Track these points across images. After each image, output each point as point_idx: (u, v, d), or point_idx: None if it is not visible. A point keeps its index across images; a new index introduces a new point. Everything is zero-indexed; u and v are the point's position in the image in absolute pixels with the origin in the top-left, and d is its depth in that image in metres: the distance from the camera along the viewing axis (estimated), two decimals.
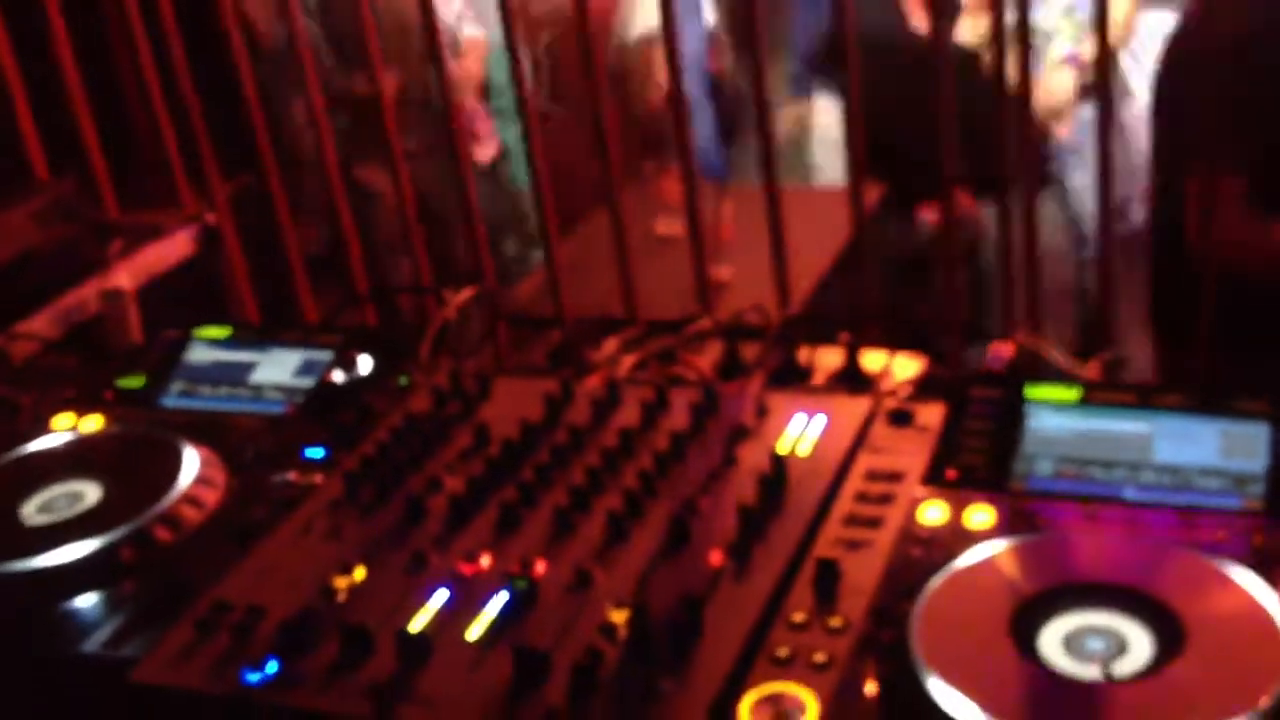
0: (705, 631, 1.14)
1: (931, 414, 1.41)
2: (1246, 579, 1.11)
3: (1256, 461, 1.25)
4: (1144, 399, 1.33)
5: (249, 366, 1.67)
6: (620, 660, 1.12)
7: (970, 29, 3.58)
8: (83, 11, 2.52)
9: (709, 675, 1.10)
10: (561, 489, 1.34)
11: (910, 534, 1.23)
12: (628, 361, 1.69)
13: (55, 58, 2.41)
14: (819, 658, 1.09)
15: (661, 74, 4.23)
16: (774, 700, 1.06)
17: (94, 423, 1.60)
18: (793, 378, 1.62)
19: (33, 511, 1.42)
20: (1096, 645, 1.07)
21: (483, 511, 1.34)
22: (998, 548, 1.18)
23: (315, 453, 1.48)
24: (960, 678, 1.03)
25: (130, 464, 1.48)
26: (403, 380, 1.60)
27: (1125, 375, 1.86)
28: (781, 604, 1.17)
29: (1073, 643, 1.08)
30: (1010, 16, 1.91)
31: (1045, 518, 1.24)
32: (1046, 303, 2.01)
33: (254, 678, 1.15)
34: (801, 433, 1.40)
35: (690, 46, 4.28)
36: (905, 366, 1.62)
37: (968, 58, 3.31)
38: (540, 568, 1.24)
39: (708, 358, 1.71)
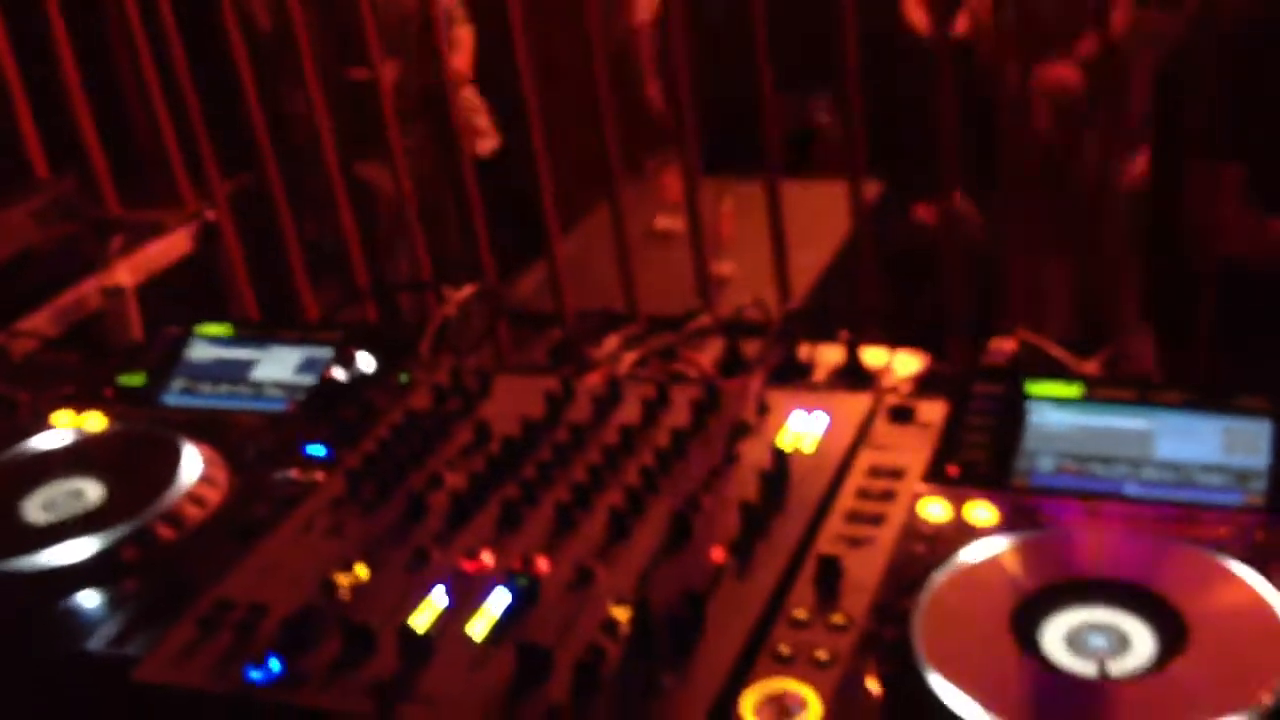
0: (707, 628, 1.14)
1: (933, 410, 1.41)
2: (1248, 575, 1.11)
3: (1258, 458, 1.25)
4: (1145, 395, 1.33)
5: (250, 364, 1.67)
6: (622, 657, 1.12)
7: (965, 19, 3.58)
8: (83, 10, 2.52)
9: (711, 672, 1.10)
10: (563, 486, 1.34)
11: (912, 531, 1.23)
12: (629, 358, 1.69)
13: (55, 56, 2.41)
14: (821, 655, 1.09)
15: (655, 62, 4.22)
16: (776, 697, 1.06)
17: (94, 420, 1.60)
18: (794, 374, 1.62)
19: (34, 510, 1.42)
20: (1098, 642, 1.07)
21: (484, 509, 1.34)
22: (1000, 545, 1.18)
23: (316, 450, 1.48)
24: (962, 675, 1.03)
25: (132, 462, 1.48)
26: (403, 377, 1.60)
27: (1125, 368, 1.86)
28: (783, 601, 1.17)
29: (1075, 639, 1.08)
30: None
31: (1047, 514, 1.24)
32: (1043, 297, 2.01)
33: (256, 676, 1.15)
34: (803, 429, 1.40)
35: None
36: (906, 363, 1.62)
37: (963, 51, 3.31)
38: (542, 565, 1.24)
39: (709, 354, 1.71)
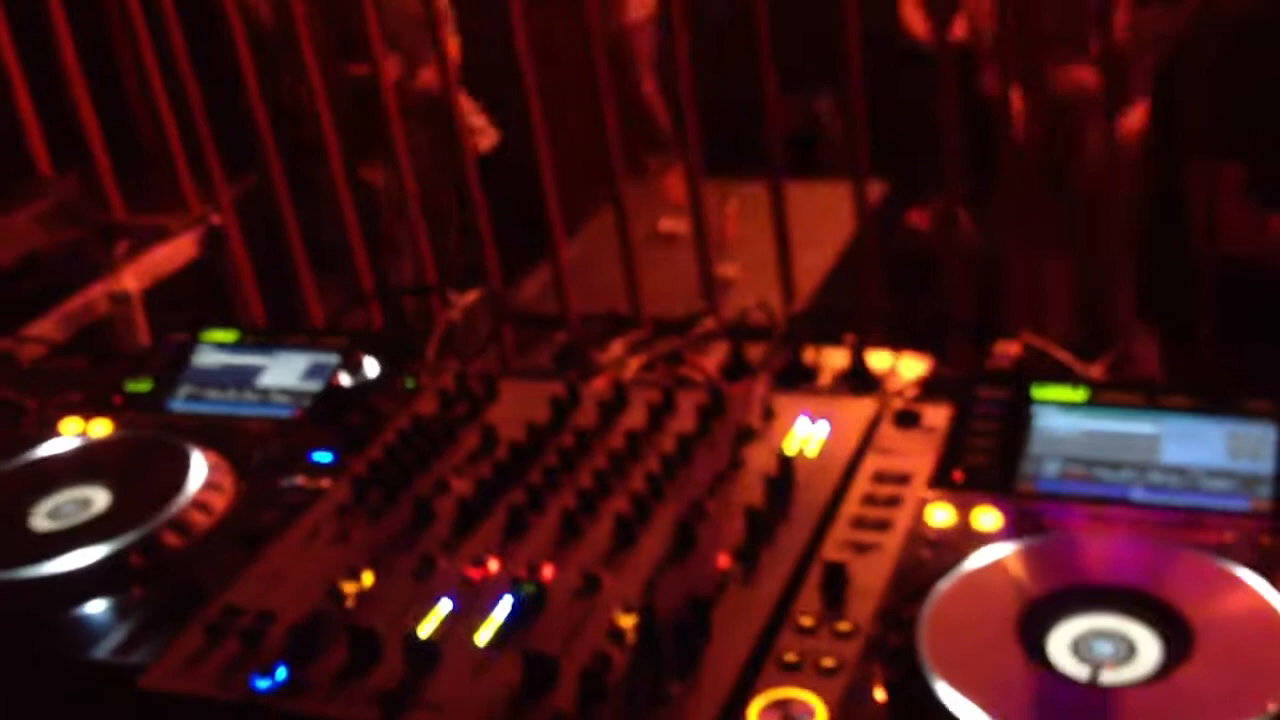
0: (713, 635, 1.14)
1: (938, 415, 1.41)
2: (1254, 581, 1.11)
3: (1264, 463, 1.25)
4: (1151, 400, 1.33)
5: (256, 370, 1.67)
6: (628, 665, 1.12)
7: (963, 25, 3.58)
8: (85, 12, 2.53)
9: (717, 680, 1.10)
10: (569, 492, 1.34)
11: (918, 536, 1.23)
12: (634, 363, 1.69)
13: (59, 60, 2.41)
14: (827, 662, 1.09)
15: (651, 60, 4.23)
16: (782, 705, 1.06)
17: (102, 427, 1.60)
18: (799, 378, 1.62)
19: (42, 517, 1.42)
20: (1104, 649, 1.07)
21: (490, 515, 1.34)
22: (1005, 550, 1.18)
23: (323, 456, 1.49)
24: (968, 682, 1.03)
25: (139, 469, 1.48)
26: (409, 383, 1.60)
27: (1129, 371, 1.86)
28: (789, 608, 1.17)
29: (1081, 646, 1.08)
30: None
31: (1052, 519, 1.24)
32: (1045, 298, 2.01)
33: (263, 684, 1.16)
34: (808, 434, 1.40)
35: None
36: (911, 366, 1.62)
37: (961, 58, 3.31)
38: (548, 572, 1.24)
39: (713, 358, 1.71)
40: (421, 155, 3.67)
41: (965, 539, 1.22)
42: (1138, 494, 1.26)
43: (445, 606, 1.21)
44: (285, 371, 1.66)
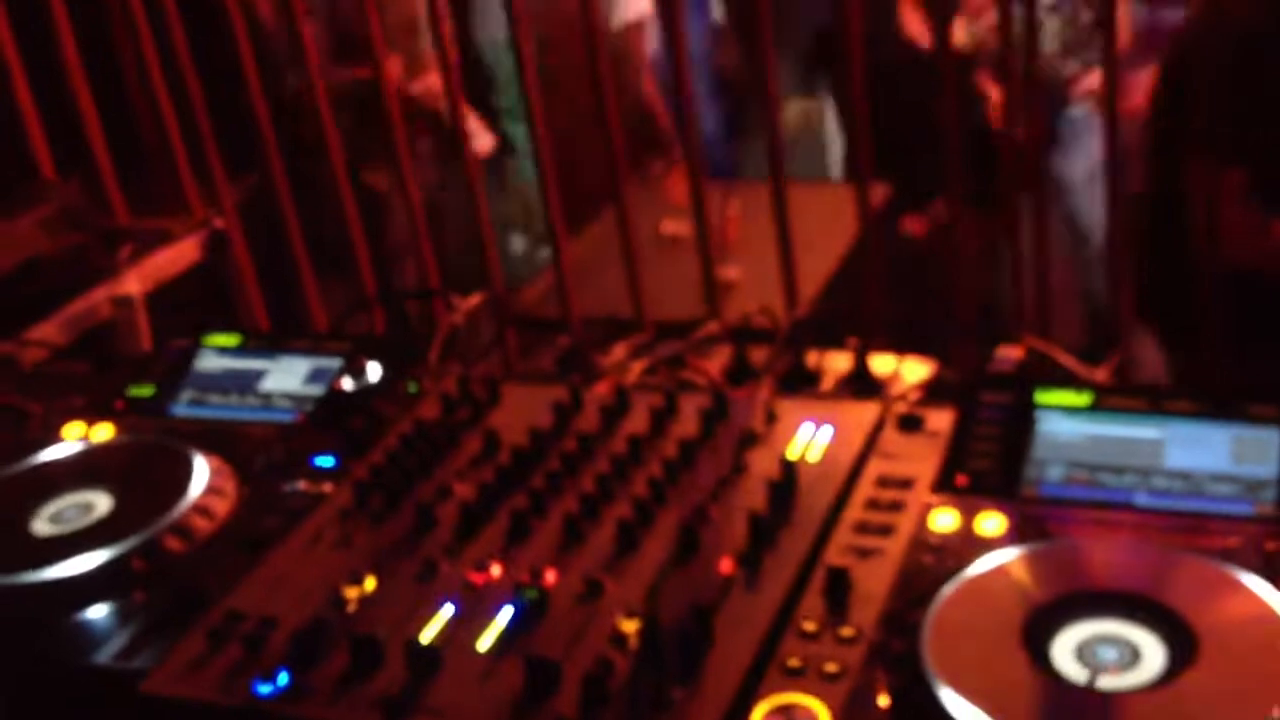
0: (716, 641, 1.14)
1: (941, 419, 1.41)
2: (1259, 586, 1.10)
3: (1268, 467, 1.25)
4: (1155, 404, 1.33)
5: (258, 374, 1.67)
6: (631, 670, 1.12)
7: (962, 32, 3.59)
8: (85, 13, 2.52)
9: (720, 685, 1.09)
10: (571, 497, 1.34)
11: (921, 541, 1.23)
12: (637, 367, 1.69)
13: (61, 62, 2.41)
14: (830, 668, 1.09)
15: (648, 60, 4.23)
16: (786, 711, 1.06)
17: (104, 432, 1.60)
18: (802, 382, 1.62)
19: (44, 522, 1.42)
20: (1109, 654, 1.07)
21: (493, 520, 1.34)
22: (1009, 556, 1.18)
23: (325, 461, 1.49)
24: (972, 688, 1.03)
25: (141, 474, 1.48)
26: (412, 387, 1.60)
27: (1132, 375, 1.85)
28: (792, 613, 1.16)
29: (1085, 652, 1.07)
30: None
31: (1056, 524, 1.24)
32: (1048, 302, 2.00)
33: (265, 689, 1.16)
34: (811, 439, 1.40)
35: (696, 43, 4.28)
36: (914, 370, 1.62)
37: (961, 63, 3.31)
38: (550, 577, 1.24)
39: (716, 361, 1.71)
40: (423, 159, 3.68)
41: (969, 544, 1.22)
42: (1142, 499, 1.25)
43: (447, 612, 1.21)
44: (287, 376, 1.66)
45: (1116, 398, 1.35)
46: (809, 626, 1.14)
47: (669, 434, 1.43)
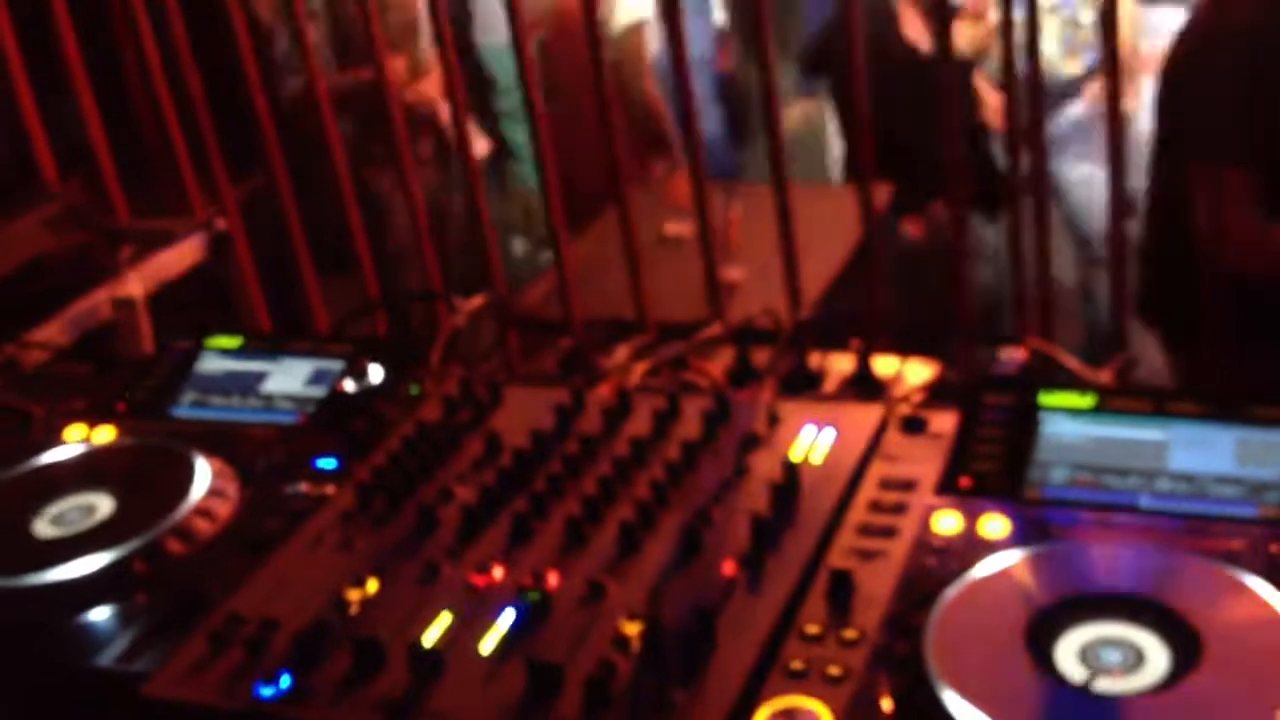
0: (719, 644, 1.13)
1: (944, 420, 1.40)
2: (1263, 589, 1.10)
3: (1272, 470, 1.24)
4: (1159, 406, 1.33)
5: (260, 376, 1.67)
6: (633, 673, 1.11)
7: (961, 36, 3.59)
8: (86, 13, 2.52)
9: (723, 688, 1.09)
10: (573, 499, 1.34)
11: (924, 544, 1.23)
12: (639, 369, 1.69)
13: (64, 63, 2.41)
14: (833, 670, 1.09)
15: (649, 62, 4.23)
16: (788, 714, 1.06)
17: (106, 434, 1.60)
18: (804, 384, 1.62)
19: (45, 524, 1.42)
20: (1113, 657, 1.06)
21: (495, 522, 1.33)
22: (1012, 558, 1.17)
23: (327, 463, 1.48)
24: (975, 691, 1.03)
25: (142, 476, 1.48)
26: (414, 389, 1.60)
27: (1135, 377, 1.85)
28: (795, 615, 1.16)
29: (1089, 655, 1.07)
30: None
31: (1060, 527, 1.23)
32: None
33: (267, 692, 1.15)
34: (814, 440, 1.40)
35: (698, 46, 4.27)
36: (917, 372, 1.61)
37: (961, 66, 3.32)
38: (553, 579, 1.24)
39: (719, 363, 1.71)
40: (423, 163, 3.67)
41: (972, 546, 1.21)
42: (1145, 501, 1.25)
43: (449, 614, 1.21)
44: (289, 377, 1.65)
45: (1120, 399, 1.35)
46: (812, 629, 1.14)
47: (671, 436, 1.43)
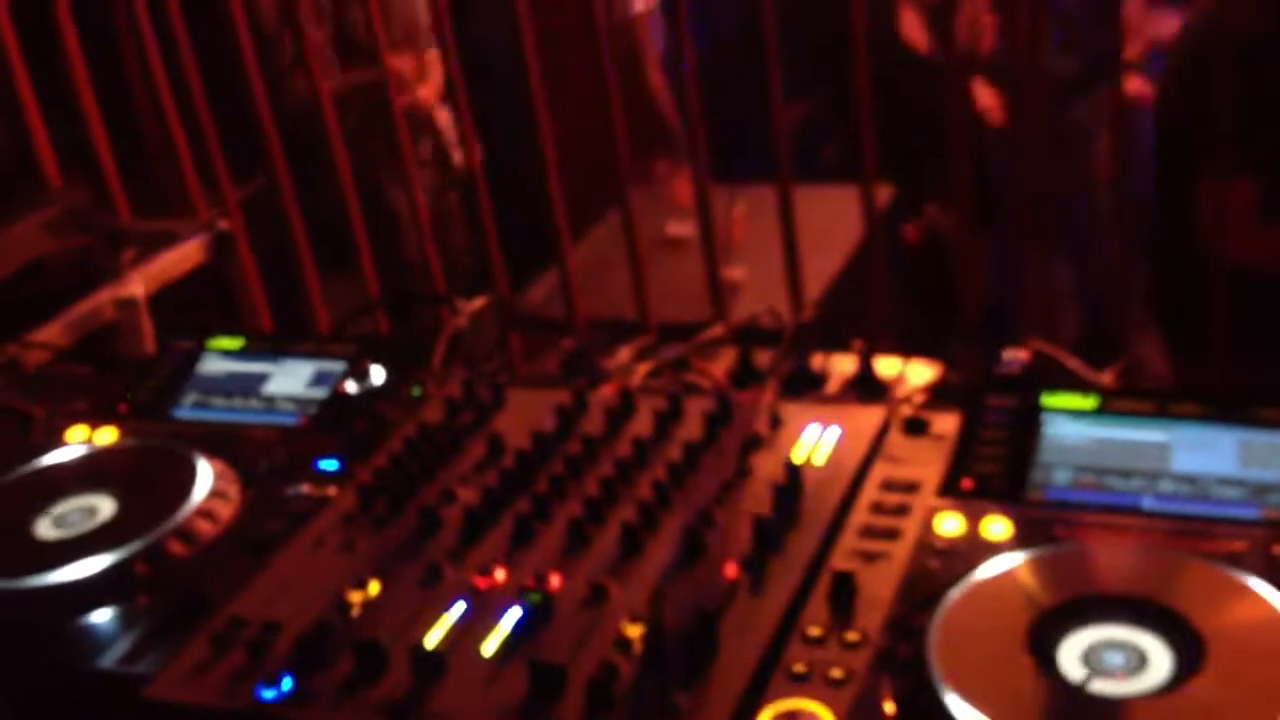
0: (721, 646, 1.13)
1: (947, 422, 1.40)
2: (1266, 591, 1.10)
3: (1275, 471, 1.24)
4: (1162, 407, 1.32)
5: (262, 377, 1.67)
6: (636, 675, 1.11)
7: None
8: (89, 14, 2.52)
9: (725, 691, 1.09)
10: (575, 501, 1.34)
11: (927, 546, 1.22)
12: (641, 369, 1.69)
13: (67, 65, 2.41)
14: (836, 673, 1.09)
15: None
16: (791, 716, 1.06)
17: (107, 435, 1.60)
18: (806, 385, 1.61)
19: (47, 526, 1.42)
20: (1115, 659, 1.06)
21: (497, 524, 1.33)
22: (1015, 560, 1.17)
23: (329, 464, 1.48)
24: (978, 693, 1.03)
25: (144, 477, 1.48)
26: (416, 390, 1.60)
27: (1138, 378, 1.85)
28: (797, 617, 1.16)
29: (1091, 657, 1.07)
30: None
31: (1062, 528, 1.23)
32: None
33: (269, 694, 1.15)
34: (816, 442, 1.40)
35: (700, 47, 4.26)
36: (920, 373, 1.61)
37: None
38: (555, 581, 1.23)
39: (721, 364, 1.71)
40: (422, 164, 3.67)
41: (975, 548, 1.21)
42: (1148, 503, 1.25)
43: (452, 616, 1.21)
44: (291, 379, 1.65)
45: (1123, 401, 1.35)
46: (814, 631, 1.14)
47: (673, 437, 1.43)
